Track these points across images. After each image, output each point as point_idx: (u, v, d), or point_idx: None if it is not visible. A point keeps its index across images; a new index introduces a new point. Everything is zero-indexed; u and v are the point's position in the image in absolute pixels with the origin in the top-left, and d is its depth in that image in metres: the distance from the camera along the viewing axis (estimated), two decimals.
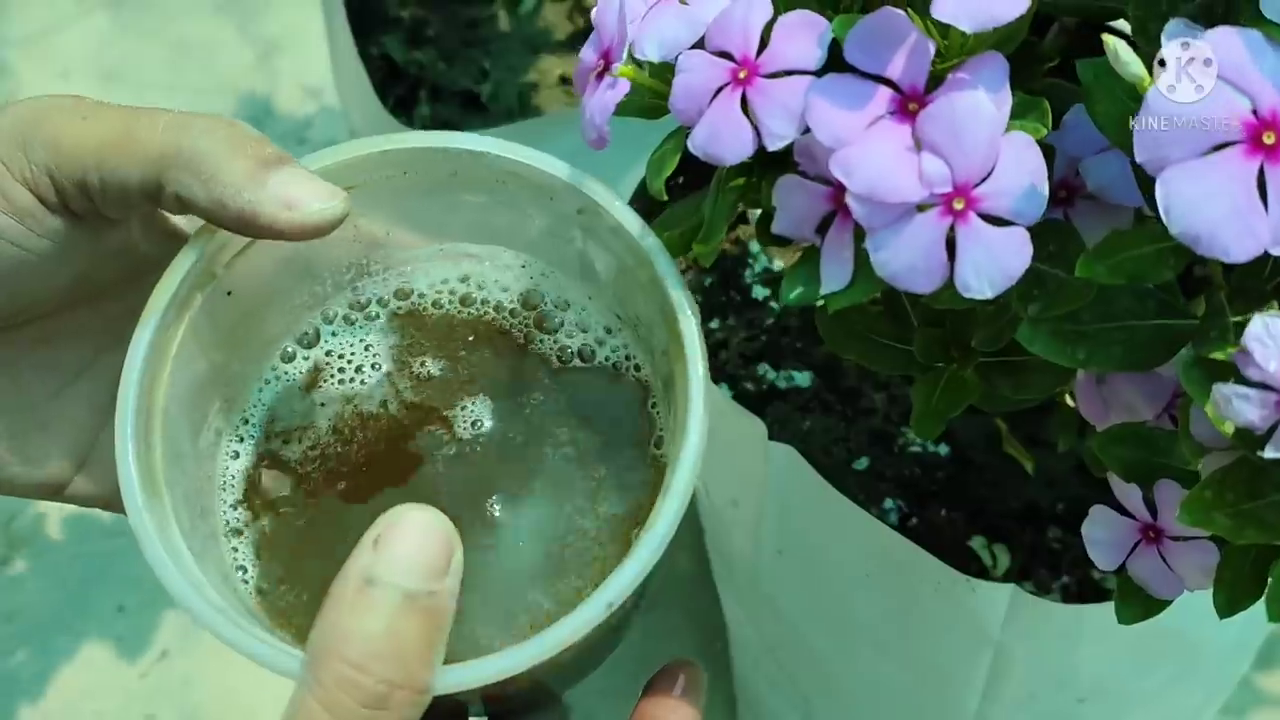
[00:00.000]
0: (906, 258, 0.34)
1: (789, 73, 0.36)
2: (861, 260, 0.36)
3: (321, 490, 0.42)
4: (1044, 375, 0.48)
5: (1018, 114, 0.34)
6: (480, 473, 0.42)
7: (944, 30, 0.34)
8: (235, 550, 0.42)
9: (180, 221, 0.44)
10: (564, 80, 0.92)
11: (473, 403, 0.44)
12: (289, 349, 0.45)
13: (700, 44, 0.38)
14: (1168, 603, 0.44)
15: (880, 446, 0.69)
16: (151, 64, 1.20)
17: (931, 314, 0.50)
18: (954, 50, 0.34)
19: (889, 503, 0.67)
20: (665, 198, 0.41)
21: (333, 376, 0.44)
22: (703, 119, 0.37)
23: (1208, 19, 0.32)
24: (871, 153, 0.34)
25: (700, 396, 0.38)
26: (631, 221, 0.41)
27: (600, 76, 0.40)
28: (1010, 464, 0.67)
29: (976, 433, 0.69)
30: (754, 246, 0.74)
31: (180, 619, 0.98)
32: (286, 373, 0.44)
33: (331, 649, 0.33)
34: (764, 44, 0.37)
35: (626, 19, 0.39)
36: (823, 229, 0.37)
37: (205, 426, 0.43)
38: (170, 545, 0.38)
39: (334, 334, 0.45)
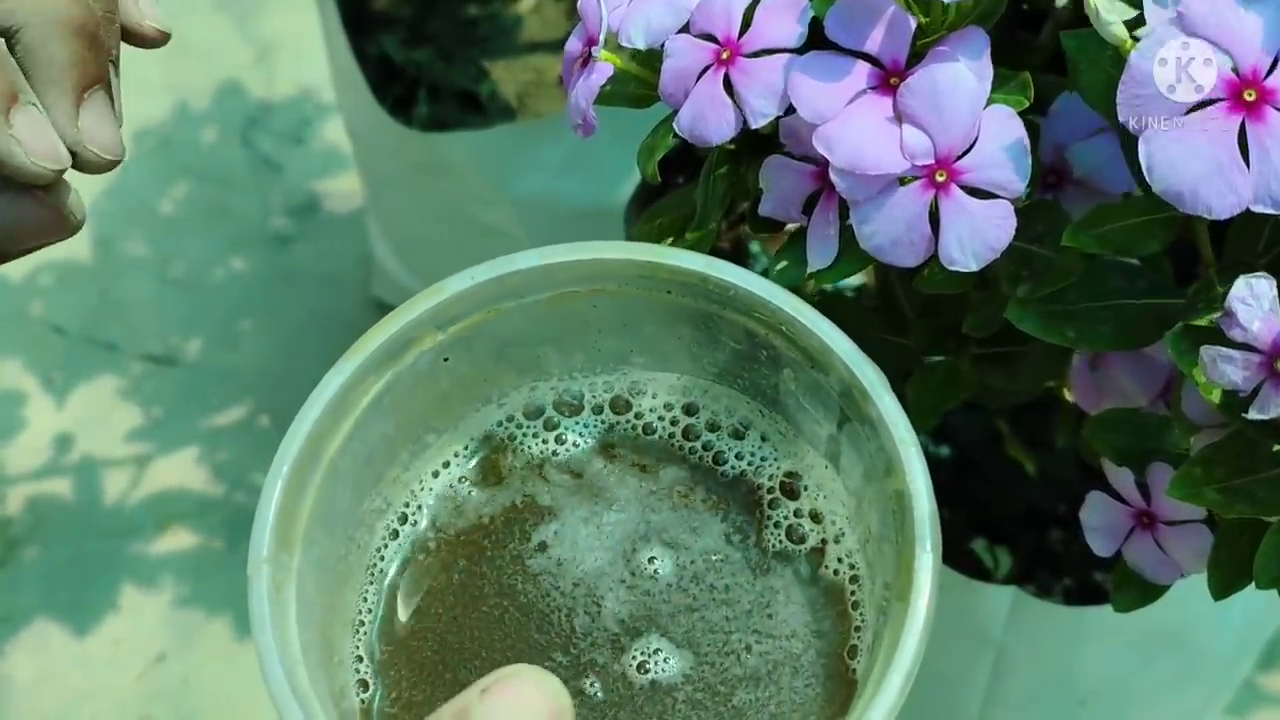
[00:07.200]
0: (890, 231, 0.34)
1: (771, 51, 0.36)
2: (847, 238, 0.36)
3: (465, 610, 0.38)
4: (1037, 365, 0.48)
5: (1000, 89, 0.34)
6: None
7: (925, 6, 0.34)
8: (361, 626, 0.37)
9: None
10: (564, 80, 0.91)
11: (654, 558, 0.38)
12: (477, 436, 0.40)
13: (685, 29, 0.38)
14: (1164, 589, 0.44)
15: None
16: (148, 63, 1.20)
17: (927, 304, 0.50)
18: (935, 26, 0.34)
19: None
20: (659, 181, 0.41)
21: (514, 478, 0.40)
22: (687, 101, 0.37)
23: None
24: (853, 126, 0.34)
25: (913, 649, 0.33)
26: (896, 419, 0.35)
27: (584, 64, 0.40)
28: (1011, 466, 0.66)
29: (978, 435, 0.69)
30: (754, 246, 0.74)
31: (178, 621, 0.98)
32: (468, 464, 0.40)
33: None
34: (746, 25, 0.37)
35: (606, 5, 0.39)
36: (809, 209, 0.38)
37: (374, 491, 0.39)
38: (280, 608, 0.34)
39: (533, 433, 0.40)
